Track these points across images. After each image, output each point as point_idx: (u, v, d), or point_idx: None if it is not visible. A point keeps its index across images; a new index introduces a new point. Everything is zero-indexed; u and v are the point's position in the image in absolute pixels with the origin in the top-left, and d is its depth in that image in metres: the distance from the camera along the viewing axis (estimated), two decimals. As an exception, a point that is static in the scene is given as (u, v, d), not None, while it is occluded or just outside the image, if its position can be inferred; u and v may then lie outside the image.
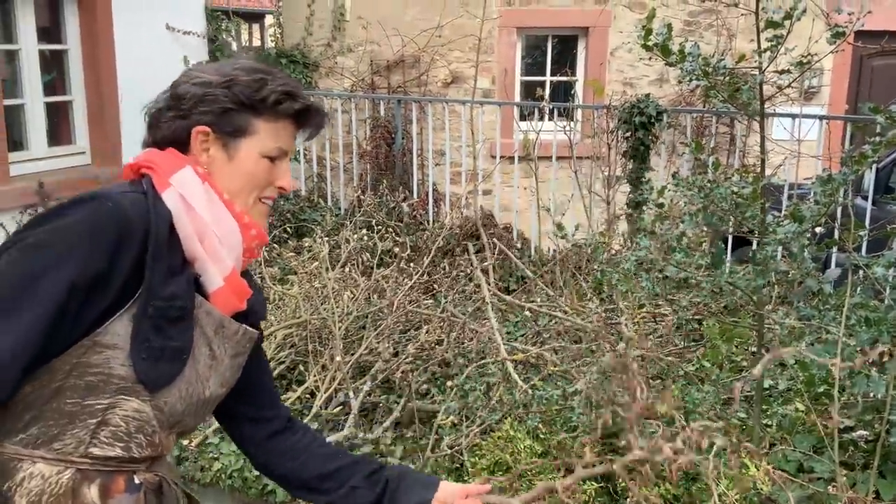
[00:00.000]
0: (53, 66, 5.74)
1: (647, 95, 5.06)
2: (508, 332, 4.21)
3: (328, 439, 3.63)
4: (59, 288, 1.14)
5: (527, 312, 3.90)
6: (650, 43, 2.50)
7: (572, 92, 7.48)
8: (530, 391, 2.80)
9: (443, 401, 3.31)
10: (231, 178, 1.32)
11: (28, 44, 5.39)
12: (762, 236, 2.57)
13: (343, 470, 1.53)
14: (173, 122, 1.31)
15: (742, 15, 7.40)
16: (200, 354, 1.31)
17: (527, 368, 3.64)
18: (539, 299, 4.57)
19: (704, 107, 6.94)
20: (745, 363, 3.73)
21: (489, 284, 4.16)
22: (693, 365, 3.30)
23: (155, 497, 1.33)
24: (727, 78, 2.46)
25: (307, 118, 1.38)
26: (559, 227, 2.76)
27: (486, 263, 4.46)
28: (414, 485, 1.52)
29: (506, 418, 2.68)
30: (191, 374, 1.30)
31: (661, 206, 2.63)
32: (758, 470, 2.63)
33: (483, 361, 3.37)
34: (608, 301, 4.28)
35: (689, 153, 5.20)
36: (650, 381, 2.91)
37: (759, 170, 2.66)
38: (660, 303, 4.06)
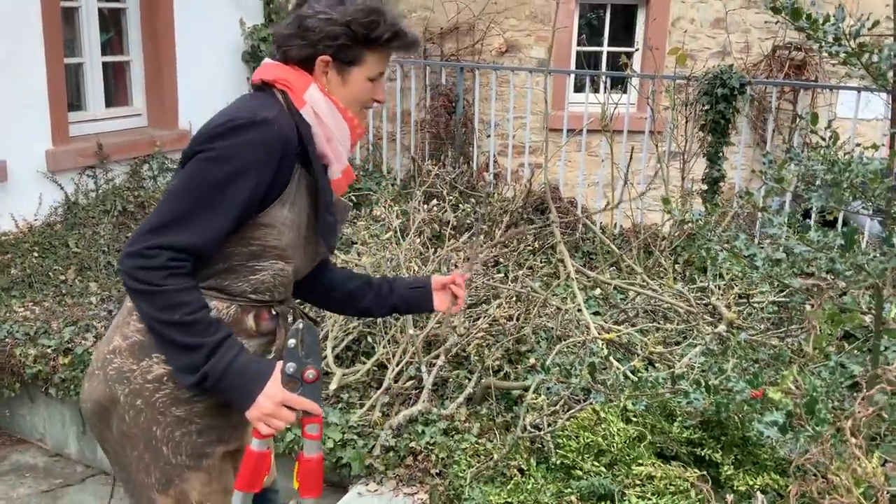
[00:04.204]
0: (111, 25, 5.64)
1: (731, 66, 4.83)
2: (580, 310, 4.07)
3: (403, 413, 3.59)
4: (244, 192, 1.55)
5: (611, 289, 3.75)
6: (778, 5, 2.35)
7: (622, 62, 7.23)
8: (629, 373, 2.67)
9: (525, 377, 3.19)
10: (344, 97, 1.71)
11: (88, 2, 5.28)
12: (888, 216, 2.41)
13: (359, 290, 2.02)
14: (302, 49, 1.66)
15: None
16: None
17: (610, 348, 3.51)
18: (608, 275, 4.42)
19: (767, 79, 6.67)
20: (829, 349, 3.56)
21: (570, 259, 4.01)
22: (790, 348, 3.15)
23: (286, 321, 1.79)
24: (863, 46, 2.29)
25: (405, 49, 1.74)
26: (665, 201, 2.60)
27: (557, 238, 4.32)
28: (419, 305, 2.05)
29: (609, 400, 2.55)
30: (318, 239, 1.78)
31: (780, 181, 2.47)
32: (869, 461, 2.50)
33: (571, 340, 3.23)
34: (689, 280, 4.13)
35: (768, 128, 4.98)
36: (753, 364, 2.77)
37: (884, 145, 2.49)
38: (747, 284, 3.90)
